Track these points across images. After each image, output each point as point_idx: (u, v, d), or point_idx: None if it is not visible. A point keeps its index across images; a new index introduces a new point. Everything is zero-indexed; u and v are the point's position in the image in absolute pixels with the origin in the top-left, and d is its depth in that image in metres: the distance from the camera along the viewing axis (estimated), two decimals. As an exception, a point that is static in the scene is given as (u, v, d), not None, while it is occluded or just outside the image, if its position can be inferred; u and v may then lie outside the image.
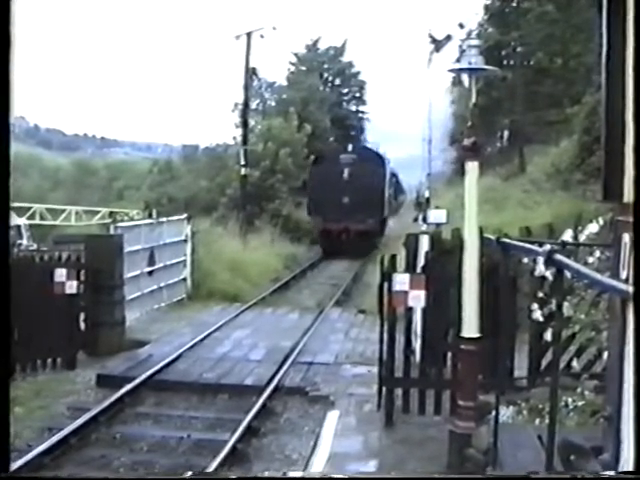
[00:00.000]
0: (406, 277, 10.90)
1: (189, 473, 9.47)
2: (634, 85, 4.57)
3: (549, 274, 10.39)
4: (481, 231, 9.49)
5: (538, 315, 11.28)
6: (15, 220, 44.93)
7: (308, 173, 47.61)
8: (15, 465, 9.28)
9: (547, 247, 6.04)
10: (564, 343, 10.16)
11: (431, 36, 36.43)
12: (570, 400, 9.17)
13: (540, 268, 10.38)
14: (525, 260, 11.19)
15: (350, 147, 48.37)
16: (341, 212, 43.30)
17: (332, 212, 43.21)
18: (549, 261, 5.52)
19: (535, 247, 7.70)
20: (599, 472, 5.51)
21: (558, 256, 5.49)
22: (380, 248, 38.94)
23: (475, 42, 9.57)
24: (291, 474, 9.44)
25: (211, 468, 9.46)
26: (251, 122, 50.38)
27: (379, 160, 47.82)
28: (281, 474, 9.78)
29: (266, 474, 9.95)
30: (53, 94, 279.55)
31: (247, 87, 44.40)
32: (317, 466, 9.76)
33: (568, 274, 5.91)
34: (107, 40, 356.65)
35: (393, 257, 11.66)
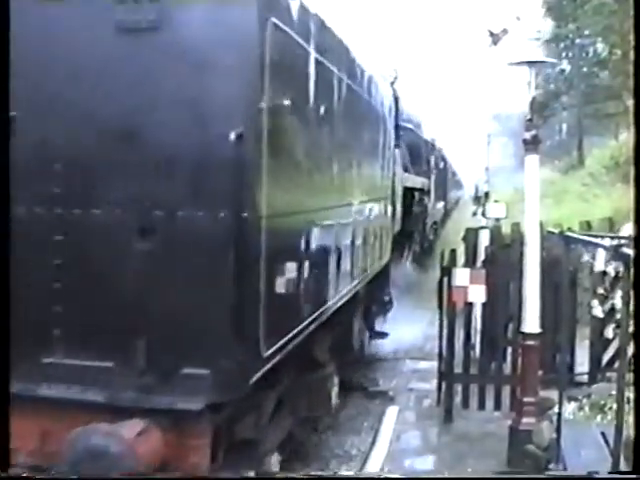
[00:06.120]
0: (466, 272, 10.74)
1: (253, 473, 9.46)
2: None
3: (611, 269, 10.29)
4: (541, 225, 9.39)
5: (598, 311, 11.15)
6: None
7: None
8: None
9: (613, 241, 5.96)
10: (627, 338, 10.03)
11: (488, 29, 36.07)
12: (632, 396, 9.03)
13: (601, 264, 10.26)
14: (585, 256, 11.07)
15: None
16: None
17: None
18: (616, 255, 5.44)
19: (600, 241, 7.61)
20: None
21: (625, 250, 5.40)
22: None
23: (534, 35, 9.49)
24: (365, 473, 9.45)
25: (270, 463, 9.42)
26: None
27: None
28: (355, 472, 9.71)
29: (345, 473, 9.88)
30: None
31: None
32: (376, 461, 9.73)
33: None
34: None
35: (453, 251, 11.57)
